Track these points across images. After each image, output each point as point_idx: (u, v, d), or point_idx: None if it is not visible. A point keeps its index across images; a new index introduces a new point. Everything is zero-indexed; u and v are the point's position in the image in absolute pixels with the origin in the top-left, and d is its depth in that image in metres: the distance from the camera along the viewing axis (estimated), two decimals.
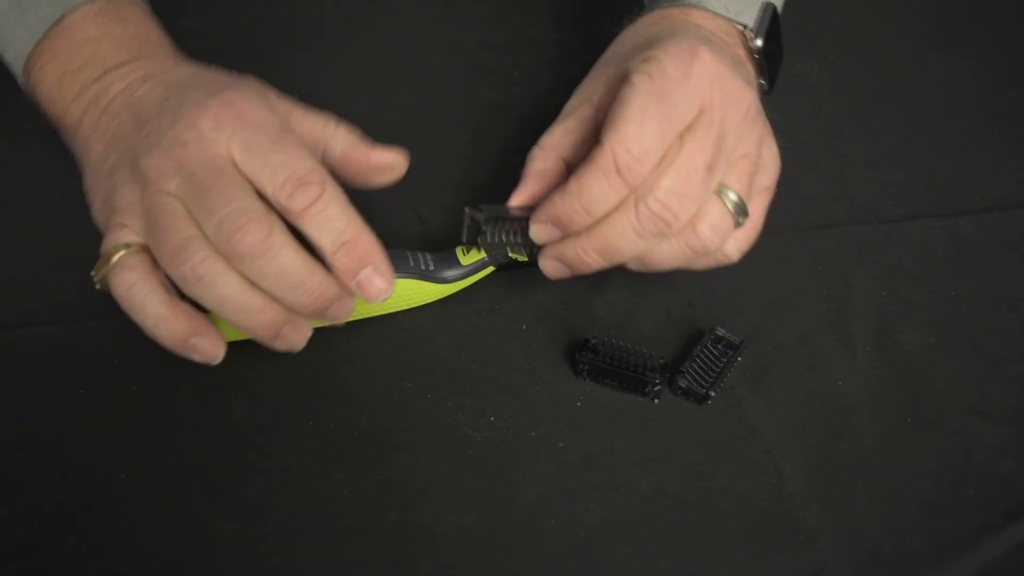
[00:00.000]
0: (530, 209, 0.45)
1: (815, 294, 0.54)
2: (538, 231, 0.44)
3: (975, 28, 0.74)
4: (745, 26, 0.51)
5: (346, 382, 0.49)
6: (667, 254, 0.45)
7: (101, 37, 0.47)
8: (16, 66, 0.49)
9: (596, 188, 0.42)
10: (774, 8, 0.52)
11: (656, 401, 0.49)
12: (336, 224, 0.41)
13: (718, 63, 0.43)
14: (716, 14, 0.51)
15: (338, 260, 0.41)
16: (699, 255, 0.46)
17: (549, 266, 0.46)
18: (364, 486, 0.45)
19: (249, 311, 0.41)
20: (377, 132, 0.47)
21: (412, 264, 0.49)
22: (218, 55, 0.65)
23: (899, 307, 0.54)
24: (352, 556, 0.43)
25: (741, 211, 0.45)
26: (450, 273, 0.50)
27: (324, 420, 0.47)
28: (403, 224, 0.55)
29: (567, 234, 0.44)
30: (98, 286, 0.43)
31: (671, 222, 0.42)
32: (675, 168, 0.42)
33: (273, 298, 0.41)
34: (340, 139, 0.45)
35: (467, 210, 0.45)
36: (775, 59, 0.53)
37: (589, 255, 0.44)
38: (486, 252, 0.49)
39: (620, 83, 0.44)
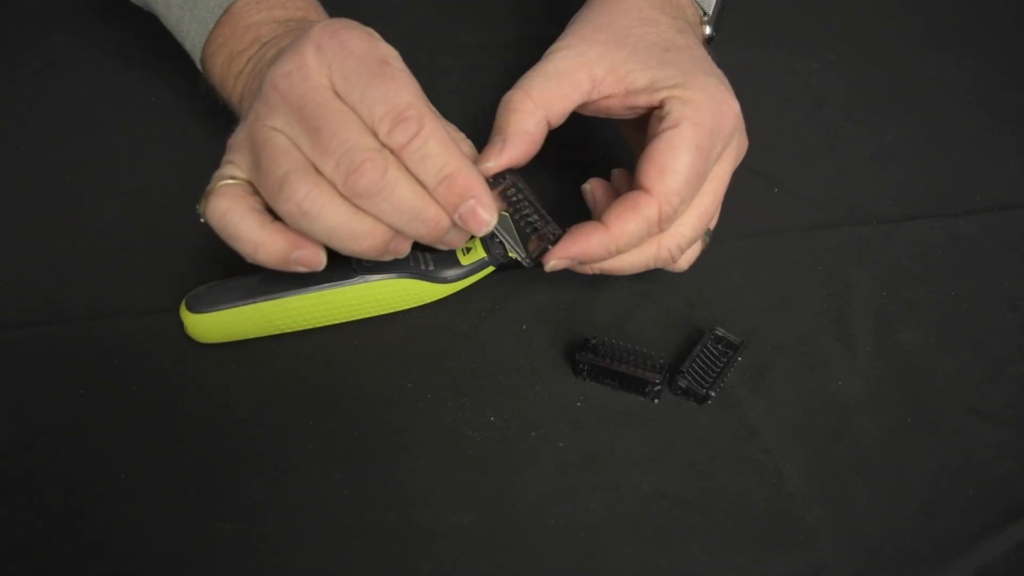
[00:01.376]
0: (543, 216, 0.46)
1: (815, 294, 0.54)
2: (557, 264, 0.46)
3: (975, 28, 0.74)
4: (706, 13, 0.54)
5: (346, 382, 0.49)
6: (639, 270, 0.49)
7: (264, 21, 0.49)
8: (194, 56, 0.51)
9: (635, 234, 0.45)
10: (723, 4, 0.55)
11: (656, 401, 0.49)
12: (436, 160, 0.40)
13: (739, 110, 0.47)
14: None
15: (440, 195, 0.41)
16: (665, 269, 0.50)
17: (550, 266, 0.47)
18: (364, 486, 0.45)
19: (358, 238, 0.41)
20: None
21: (412, 264, 0.49)
22: None
23: (899, 307, 0.54)
24: (352, 556, 0.43)
25: (709, 236, 0.50)
26: (450, 273, 0.50)
27: (324, 420, 0.47)
28: None
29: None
30: (202, 219, 0.43)
31: (678, 259, 0.48)
32: (696, 217, 0.47)
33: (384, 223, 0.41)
34: (464, 145, 0.46)
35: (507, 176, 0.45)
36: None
37: (593, 270, 0.48)
38: (486, 252, 0.49)
39: (642, 90, 0.46)
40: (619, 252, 0.45)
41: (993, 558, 0.44)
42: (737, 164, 0.48)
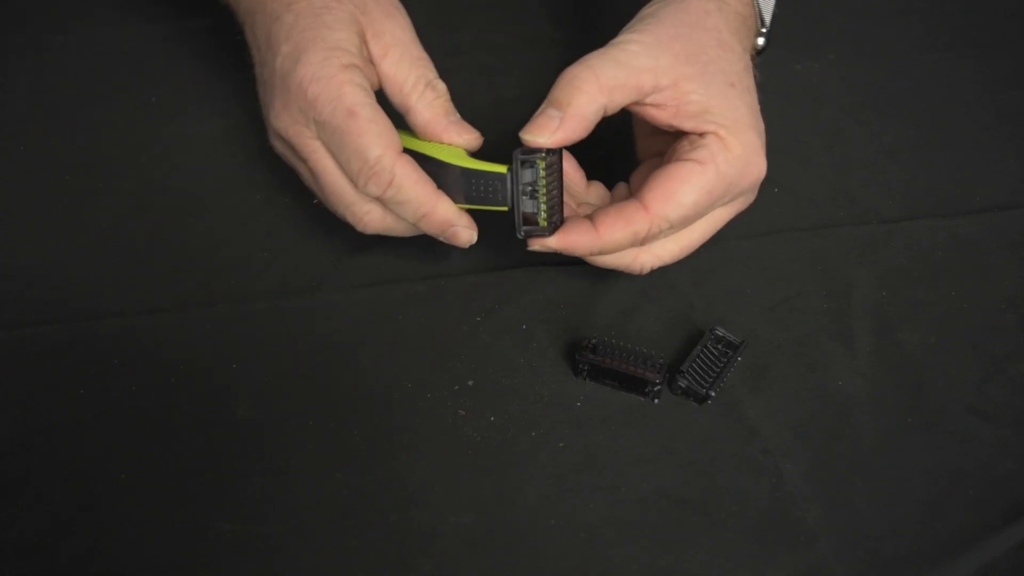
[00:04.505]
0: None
1: (815, 294, 0.54)
2: (540, 247, 0.46)
3: (975, 28, 0.74)
4: (765, 24, 0.53)
5: (346, 382, 0.49)
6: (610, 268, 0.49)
7: None
8: None
9: (620, 243, 0.46)
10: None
11: (656, 401, 0.49)
12: (410, 204, 0.45)
13: (765, 171, 0.47)
14: (756, 8, 0.53)
15: (423, 227, 0.46)
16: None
17: (534, 247, 0.47)
18: (364, 486, 0.45)
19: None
20: None
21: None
22: (218, 54, 0.66)
23: (899, 307, 0.54)
24: (352, 556, 0.43)
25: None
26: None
27: (324, 420, 0.47)
28: None
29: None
30: None
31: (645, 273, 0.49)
32: (679, 249, 0.48)
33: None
34: (422, 111, 0.47)
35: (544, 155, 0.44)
36: None
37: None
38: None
39: (694, 115, 0.45)
40: (601, 254, 0.47)
41: (993, 558, 0.44)
42: (737, 214, 0.49)
